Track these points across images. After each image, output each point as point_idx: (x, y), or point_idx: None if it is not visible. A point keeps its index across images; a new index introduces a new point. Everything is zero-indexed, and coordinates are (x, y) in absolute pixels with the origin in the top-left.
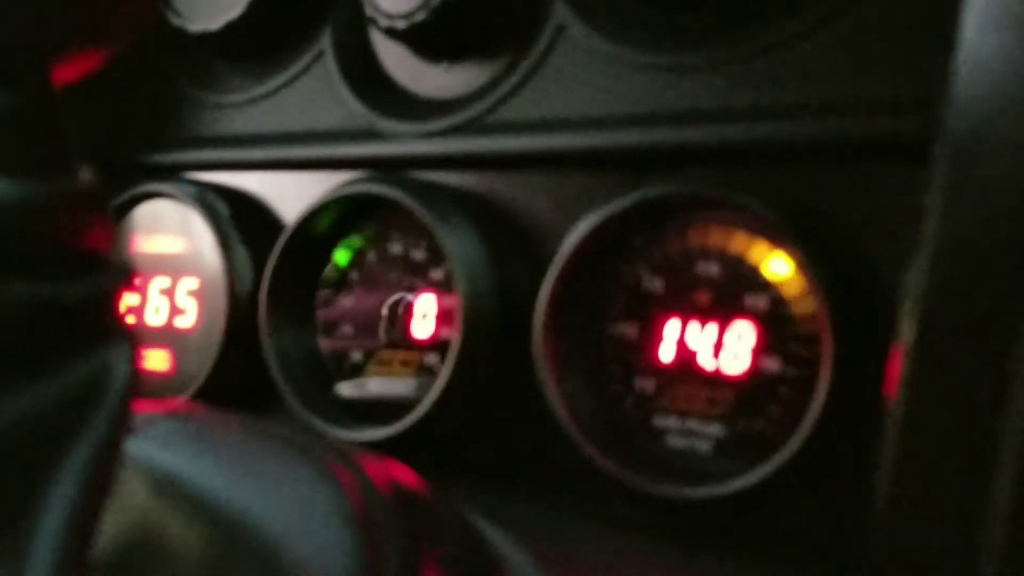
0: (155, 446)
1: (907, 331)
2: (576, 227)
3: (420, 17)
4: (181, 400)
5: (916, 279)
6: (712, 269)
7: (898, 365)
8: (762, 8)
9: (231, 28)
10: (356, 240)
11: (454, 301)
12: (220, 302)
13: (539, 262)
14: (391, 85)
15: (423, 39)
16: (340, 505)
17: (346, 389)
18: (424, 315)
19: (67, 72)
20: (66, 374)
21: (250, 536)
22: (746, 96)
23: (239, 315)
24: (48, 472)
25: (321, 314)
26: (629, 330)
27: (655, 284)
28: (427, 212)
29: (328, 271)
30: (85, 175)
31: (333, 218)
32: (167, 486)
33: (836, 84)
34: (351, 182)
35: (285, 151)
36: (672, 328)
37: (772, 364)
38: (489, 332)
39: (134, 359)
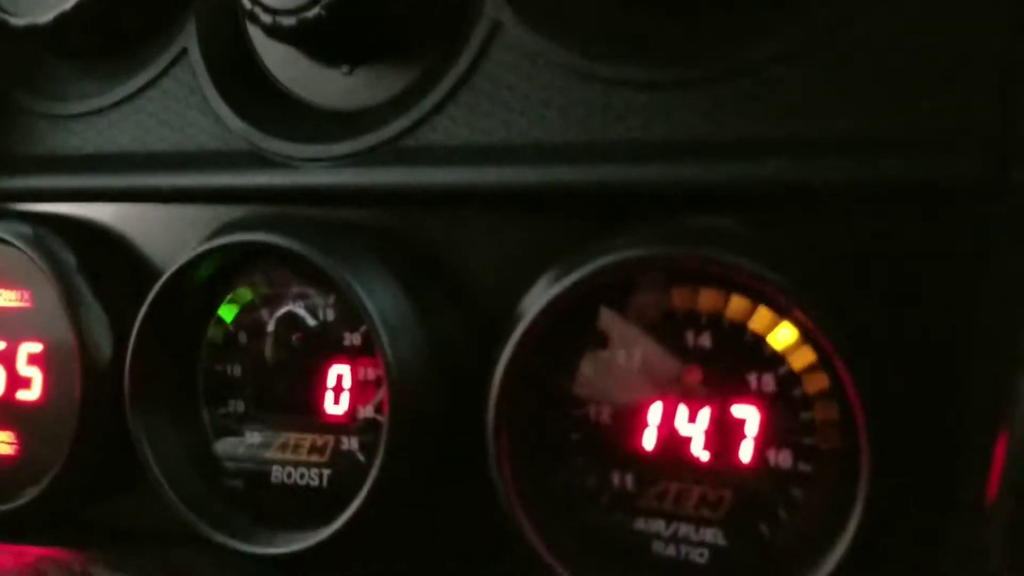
0: None
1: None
2: (531, 295)
3: (313, 13)
4: (38, 551)
5: None
6: (703, 340)
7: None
8: (755, 17)
9: (64, 21)
10: (245, 293)
11: (376, 370)
12: (72, 371)
13: (480, 318)
14: (276, 91)
15: (316, 39)
16: None
17: (241, 480)
18: (337, 388)
19: None
20: None
21: None
22: (741, 124)
23: (96, 387)
24: None
25: (204, 385)
26: (602, 414)
27: (633, 358)
28: (334, 265)
29: (211, 331)
30: None
31: (215, 267)
32: None
33: (846, 113)
34: (234, 223)
35: (147, 178)
36: (655, 411)
37: (781, 457)
38: (424, 409)
39: None
